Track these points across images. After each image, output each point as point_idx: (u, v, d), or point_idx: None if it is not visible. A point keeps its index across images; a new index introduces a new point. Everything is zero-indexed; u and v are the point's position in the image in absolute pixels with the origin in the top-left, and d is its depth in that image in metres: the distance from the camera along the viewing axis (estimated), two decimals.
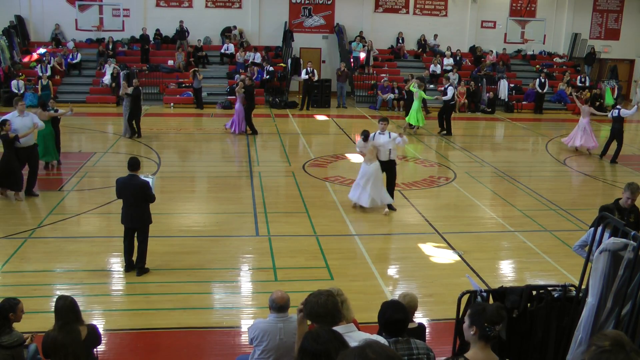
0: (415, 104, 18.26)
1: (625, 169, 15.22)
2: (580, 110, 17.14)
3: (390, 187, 10.94)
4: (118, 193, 7.91)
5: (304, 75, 23.08)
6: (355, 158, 15.24)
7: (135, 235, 7.95)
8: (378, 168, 10.56)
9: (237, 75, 22.54)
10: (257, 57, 24.78)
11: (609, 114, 16.57)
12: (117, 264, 8.41)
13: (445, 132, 18.69)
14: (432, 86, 24.22)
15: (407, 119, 18.69)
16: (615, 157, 15.61)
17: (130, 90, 16.35)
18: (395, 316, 3.94)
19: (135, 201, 7.82)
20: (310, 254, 8.82)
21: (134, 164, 7.87)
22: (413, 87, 18.44)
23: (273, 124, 20.09)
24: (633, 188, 6.68)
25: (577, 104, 18.99)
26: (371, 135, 10.77)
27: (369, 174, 10.50)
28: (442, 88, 18.95)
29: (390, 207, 10.85)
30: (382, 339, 3.59)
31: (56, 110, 13.17)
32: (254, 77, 23.74)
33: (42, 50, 23.88)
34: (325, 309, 3.52)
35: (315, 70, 23.47)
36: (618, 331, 2.63)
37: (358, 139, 11.12)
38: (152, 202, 7.95)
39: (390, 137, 10.71)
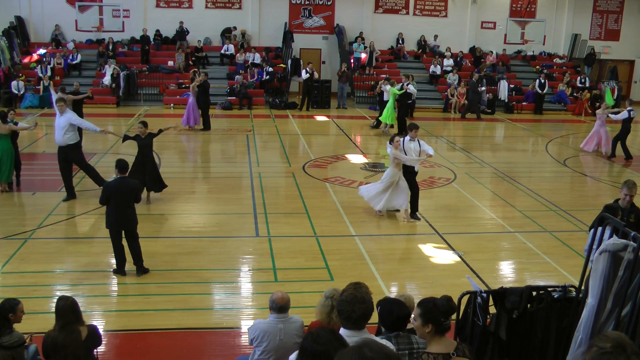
0: (390, 102, 18.21)
1: (625, 169, 15.22)
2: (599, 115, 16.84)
3: (415, 194, 10.59)
4: (107, 198, 7.73)
5: (304, 76, 23.08)
6: (355, 159, 15.25)
7: (124, 237, 7.95)
8: (402, 175, 10.36)
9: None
10: (257, 58, 24.80)
11: (626, 115, 16.08)
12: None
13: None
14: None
15: (381, 118, 18.45)
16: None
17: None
18: (404, 312, 4.03)
19: (127, 203, 7.84)
20: (311, 255, 8.82)
21: (124, 166, 7.86)
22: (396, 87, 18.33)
23: (273, 124, 20.10)
24: (629, 184, 6.68)
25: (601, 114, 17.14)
26: (401, 140, 10.33)
27: (395, 179, 10.25)
28: (402, 84, 18.66)
29: (414, 215, 10.58)
30: (389, 343, 3.60)
31: (16, 123, 11.68)
32: (254, 79, 23.81)
33: (42, 51, 23.90)
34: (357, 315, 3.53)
35: (314, 71, 23.49)
36: (620, 333, 2.62)
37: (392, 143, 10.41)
38: (138, 203, 8.09)
39: (419, 145, 10.44)
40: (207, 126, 18.17)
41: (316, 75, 23.39)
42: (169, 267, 8.22)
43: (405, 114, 18.59)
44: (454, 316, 4.20)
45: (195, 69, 22.61)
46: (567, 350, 4.51)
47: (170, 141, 17.04)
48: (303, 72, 23.24)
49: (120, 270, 7.95)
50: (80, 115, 14.64)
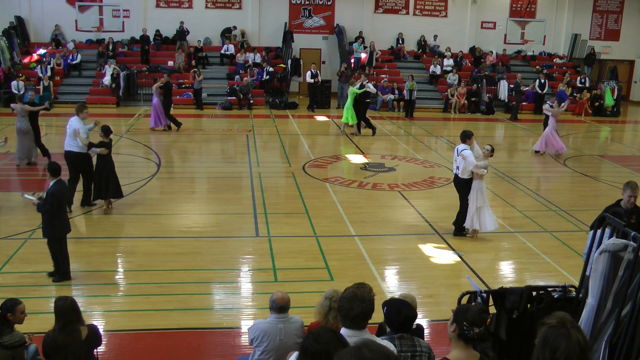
0: (348, 102, 18.08)
1: (625, 169, 15.21)
2: (555, 114, 16.28)
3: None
4: (59, 203, 7.51)
5: (308, 79, 22.97)
6: (355, 159, 15.25)
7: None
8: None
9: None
10: (257, 58, 24.80)
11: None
12: (117, 264, 8.42)
13: (357, 132, 18.34)
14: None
15: (350, 121, 18.20)
16: None
17: (17, 107, 13.19)
18: (411, 313, 4.03)
19: (64, 204, 7.77)
20: (310, 255, 8.82)
21: (56, 169, 7.65)
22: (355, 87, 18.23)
23: (273, 124, 20.10)
24: (632, 185, 6.67)
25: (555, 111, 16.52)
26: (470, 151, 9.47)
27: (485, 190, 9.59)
28: (359, 83, 18.39)
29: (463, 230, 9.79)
30: (389, 344, 3.59)
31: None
32: (254, 79, 23.80)
33: (42, 51, 23.89)
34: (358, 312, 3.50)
35: (318, 72, 23.42)
36: (564, 312, 3.03)
37: (469, 150, 9.49)
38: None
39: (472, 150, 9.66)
40: (177, 123, 18.14)
41: (320, 78, 23.27)
42: (169, 267, 8.22)
43: (365, 113, 18.50)
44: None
45: (195, 69, 22.63)
46: None
47: (170, 141, 17.05)
48: (308, 73, 23.10)
49: (69, 275, 7.74)
50: (37, 127, 13.60)
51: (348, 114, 18.04)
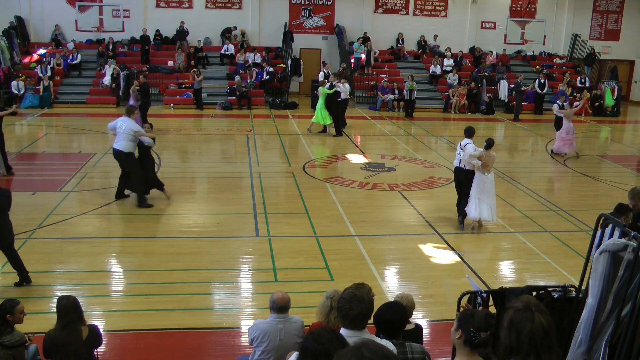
0: (320, 102, 18.02)
1: (625, 169, 15.20)
2: (568, 115, 15.97)
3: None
4: (0, 209, 7.21)
5: (321, 78, 22.72)
6: (355, 159, 15.25)
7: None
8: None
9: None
10: (257, 58, 24.80)
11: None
12: (117, 264, 8.42)
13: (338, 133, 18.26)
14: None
15: (321, 121, 18.12)
16: None
17: None
18: (392, 317, 3.97)
19: (5, 211, 7.34)
20: (311, 255, 8.82)
21: None
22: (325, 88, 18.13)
23: (273, 124, 20.11)
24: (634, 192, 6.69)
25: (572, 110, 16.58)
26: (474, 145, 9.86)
27: (490, 183, 9.98)
28: (329, 84, 18.29)
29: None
30: (389, 344, 3.59)
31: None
32: (253, 79, 23.79)
33: (42, 51, 23.89)
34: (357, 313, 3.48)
35: (331, 73, 23.19)
36: (529, 296, 3.16)
37: (472, 146, 9.86)
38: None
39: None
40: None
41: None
42: (169, 267, 8.22)
43: (338, 113, 18.46)
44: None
45: (195, 69, 22.62)
46: (567, 350, 4.51)
47: (170, 141, 17.05)
48: (320, 74, 22.91)
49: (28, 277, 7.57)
50: (0, 134, 12.40)
51: (319, 115, 17.97)
